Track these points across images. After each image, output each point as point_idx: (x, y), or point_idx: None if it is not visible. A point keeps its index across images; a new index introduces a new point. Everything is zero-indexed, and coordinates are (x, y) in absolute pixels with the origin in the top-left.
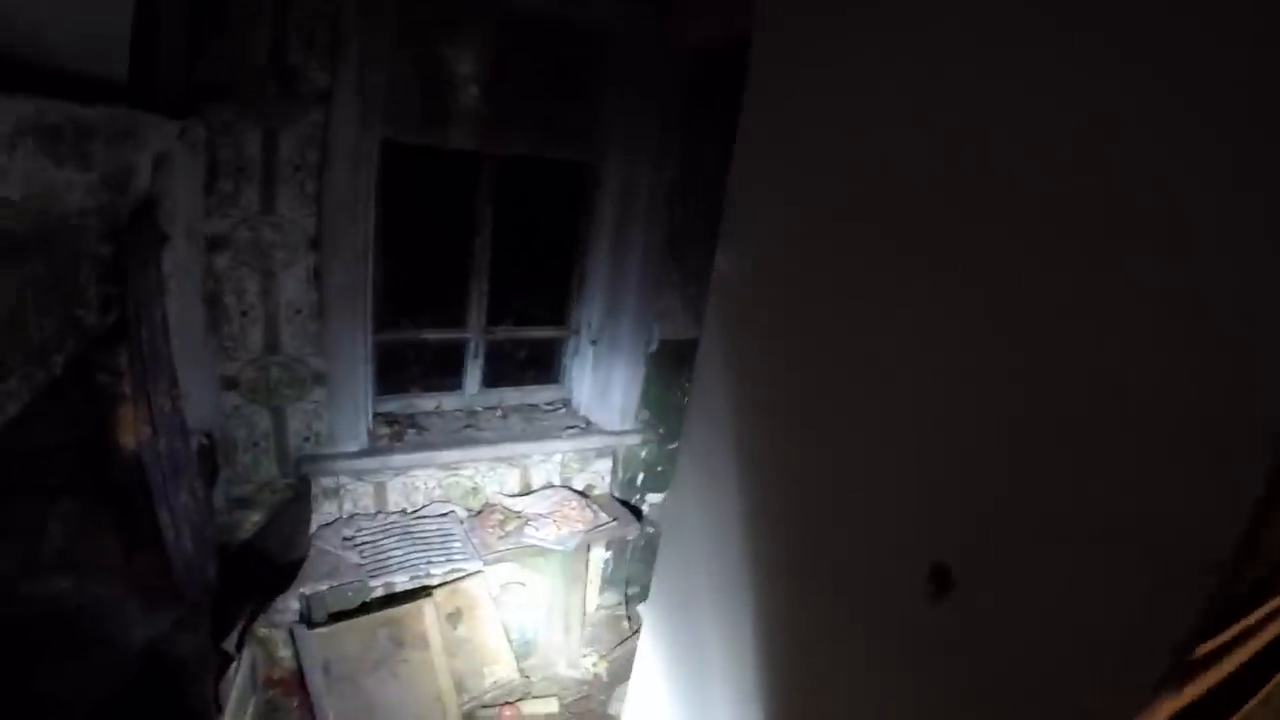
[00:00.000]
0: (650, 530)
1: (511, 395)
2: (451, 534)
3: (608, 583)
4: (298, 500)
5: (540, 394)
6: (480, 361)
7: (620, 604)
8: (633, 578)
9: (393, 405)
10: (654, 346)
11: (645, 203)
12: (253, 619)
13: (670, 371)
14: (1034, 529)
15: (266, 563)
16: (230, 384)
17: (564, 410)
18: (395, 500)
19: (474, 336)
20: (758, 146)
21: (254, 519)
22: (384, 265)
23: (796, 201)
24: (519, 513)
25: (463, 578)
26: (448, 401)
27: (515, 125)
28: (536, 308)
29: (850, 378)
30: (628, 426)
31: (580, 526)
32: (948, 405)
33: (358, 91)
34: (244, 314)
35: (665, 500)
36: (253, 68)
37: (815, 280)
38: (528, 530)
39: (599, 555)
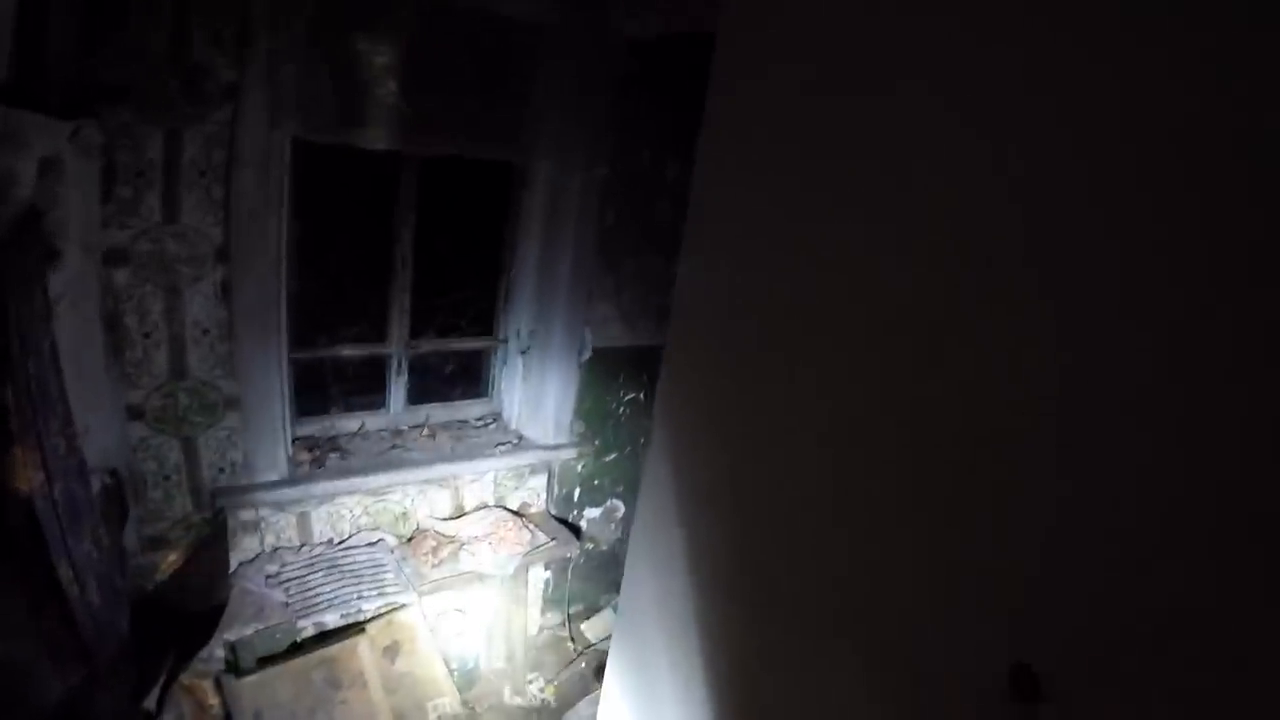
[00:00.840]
0: (589, 547)
1: (439, 412)
2: (382, 564)
3: (549, 603)
4: (216, 537)
5: (469, 409)
6: (404, 377)
7: (563, 624)
8: (574, 597)
9: (313, 428)
10: (587, 355)
11: (576, 205)
12: (175, 672)
13: (605, 381)
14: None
15: (186, 608)
16: (135, 414)
17: (495, 425)
18: (321, 531)
19: (396, 351)
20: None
21: (171, 559)
22: (299, 277)
23: (779, 197)
24: (452, 537)
25: (398, 609)
26: (372, 421)
27: (438, 123)
28: (462, 318)
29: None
30: (562, 440)
31: (518, 548)
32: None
33: (267, 88)
34: (147, 336)
35: (637, 517)
36: (153, 64)
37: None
38: (463, 555)
39: (538, 576)
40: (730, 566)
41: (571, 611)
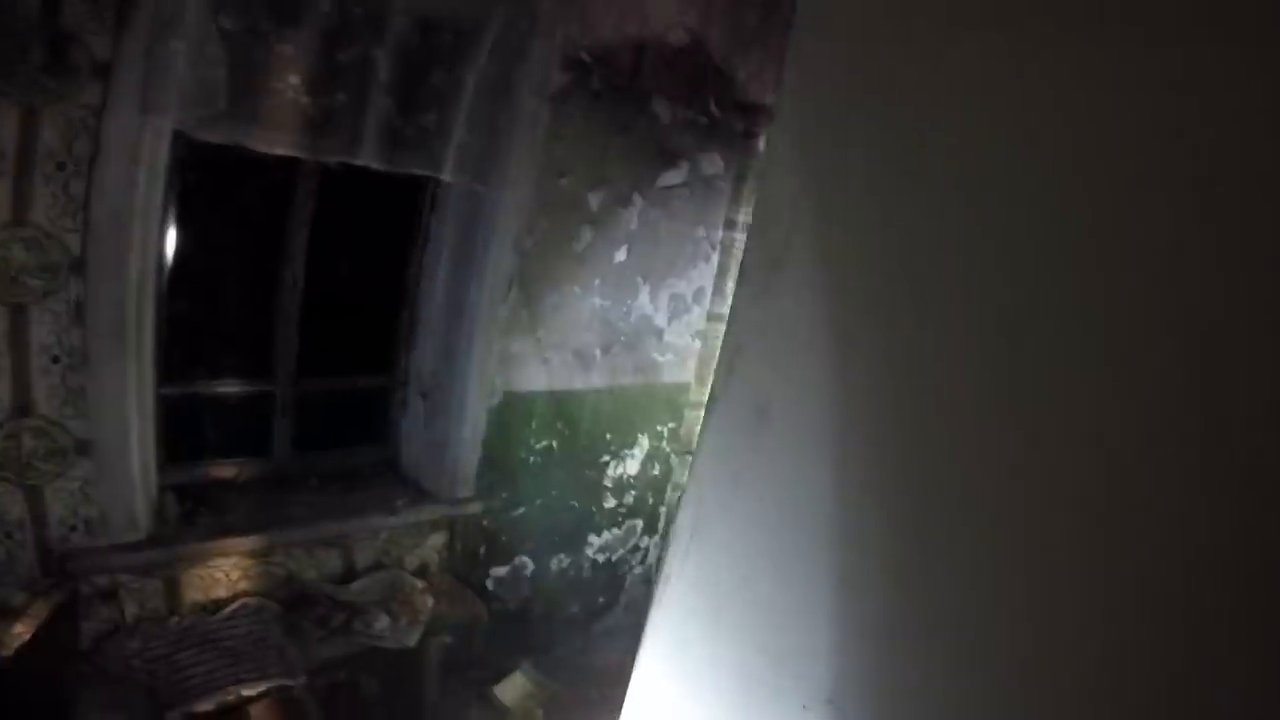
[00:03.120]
0: (496, 607)
1: (328, 459)
2: (265, 638)
3: (450, 672)
4: (66, 608)
5: (362, 456)
6: (289, 419)
7: (468, 691)
8: (480, 663)
9: (183, 476)
10: (497, 400)
11: (492, 230)
12: None
13: (516, 428)
14: None
15: (29, 697)
16: None
17: (391, 475)
18: (192, 598)
19: (281, 388)
20: None
21: (16, 632)
22: (172, 298)
23: None
24: (344, 604)
25: (284, 691)
26: (251, 469)
27: (347, 127)
28: (357, 354)
29: None
30: (466, 493)
31: (419, 615)
32: None
33: (146, 67)
34: None
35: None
36: (15, 27)
37: None
38: (357, 625)
39: (440, 643)
40: None
41: (474, 675)
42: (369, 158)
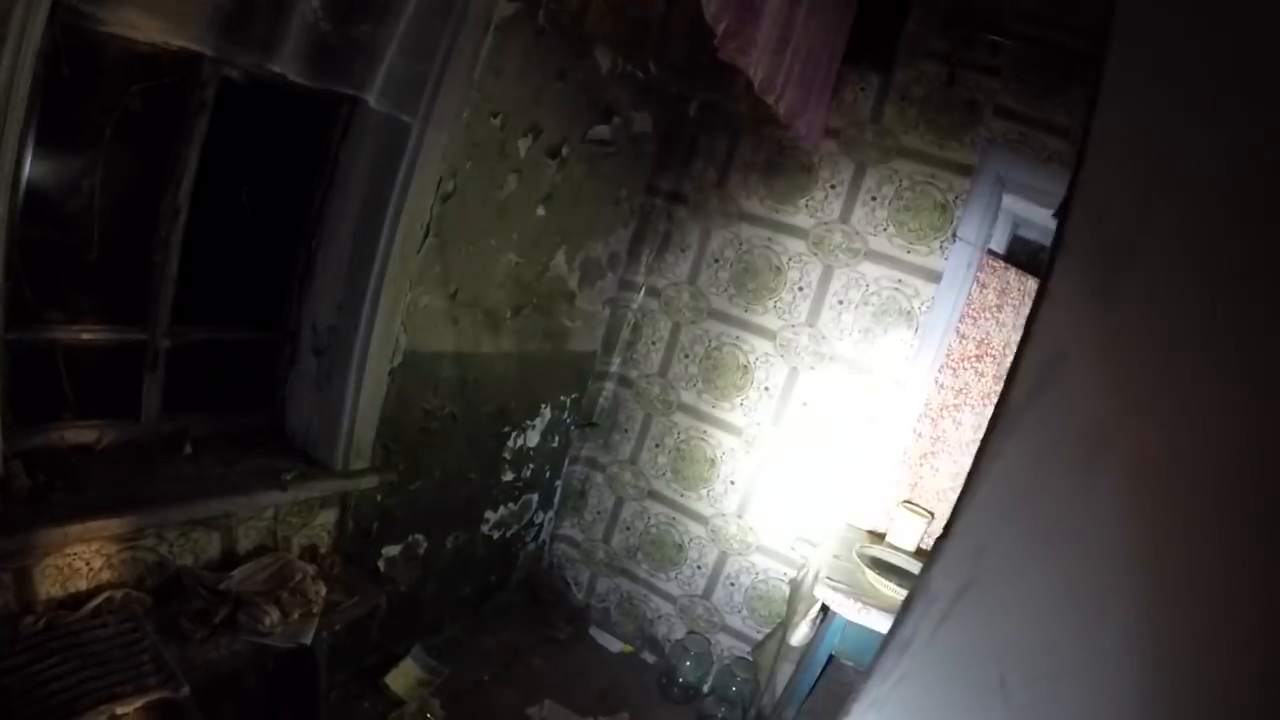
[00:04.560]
0: (388, 589)
1: (205, 423)
2: (137, 641)
3: (338, 662)
4: None
5: (245, 420)
6: (161, 374)
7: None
8: (370, 650)
9: (34, 441)
10: (399, 360)
11: (413, 168)
12: None
13: (418, 392)
14: None
15: None
16: None
17: (277, 443)
18: (47, 592)
19: (154, 337)
20: None
21: None
22: (26, 221)
23: None
24: (227, 594)
25: (164, 702)
26: (115, 433)
27: (265, 25)
28: (244, 301)
29: None
30: (361, 465)
31: (312, 606)
32: None
33: None
34: None
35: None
36: None
37: None
38: (241, 620)
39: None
40: None
41: (368, 663)
42: (286, 66)
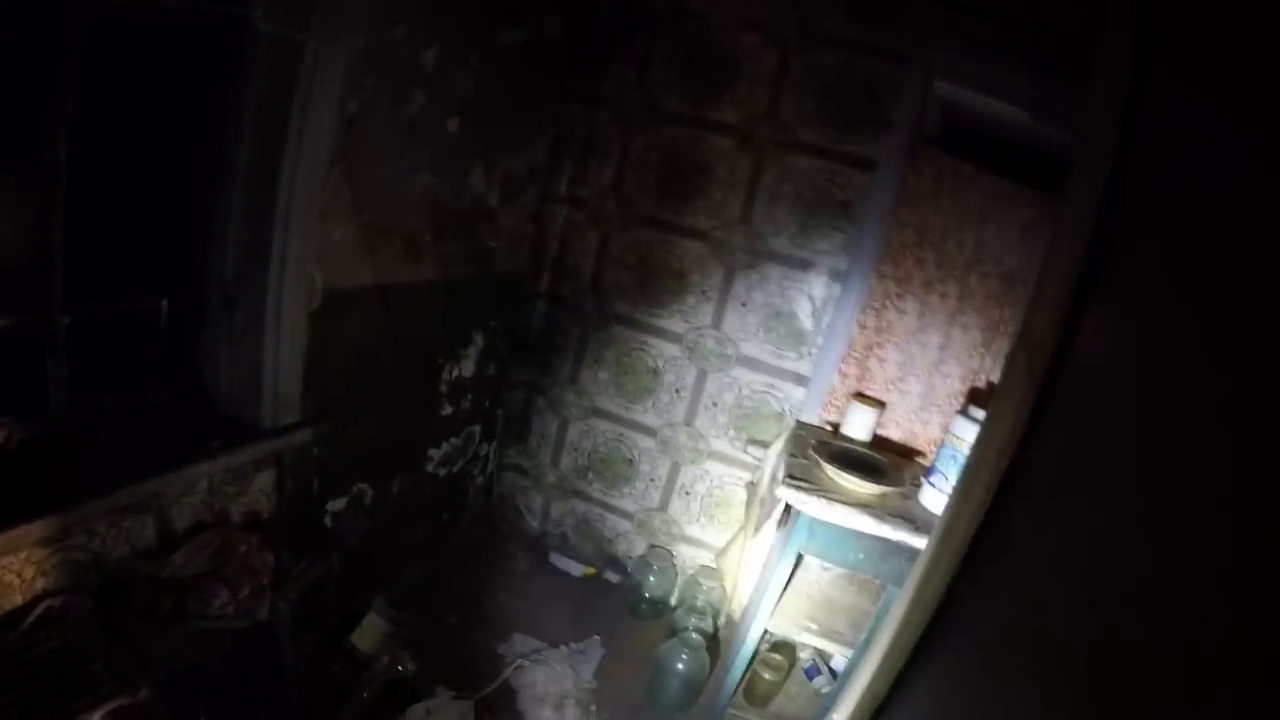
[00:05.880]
0: (340, 543)
1: (120, 402)
2: (85, 649)
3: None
4: None
5: (162, 391)
6: (66, 358)
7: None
8: (331, 611)
9: None
10: (317, 302)
11: (311, 90)
12: None
13: (341, 334)
14: None
15: None
16: None
17: (200, 410)
18: None
19: (51, 319)
20: None
21: None
22: None
23: None
24: (170, 581)
25: (122, 709)
26: (24, 429)
27: None
28: (143, 262)
29: None
30: (291, 418)
31: (261, 579)
32: None
33: None
34: None
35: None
36: None
37: None
38: (191, 606)
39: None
40: None
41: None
42: None
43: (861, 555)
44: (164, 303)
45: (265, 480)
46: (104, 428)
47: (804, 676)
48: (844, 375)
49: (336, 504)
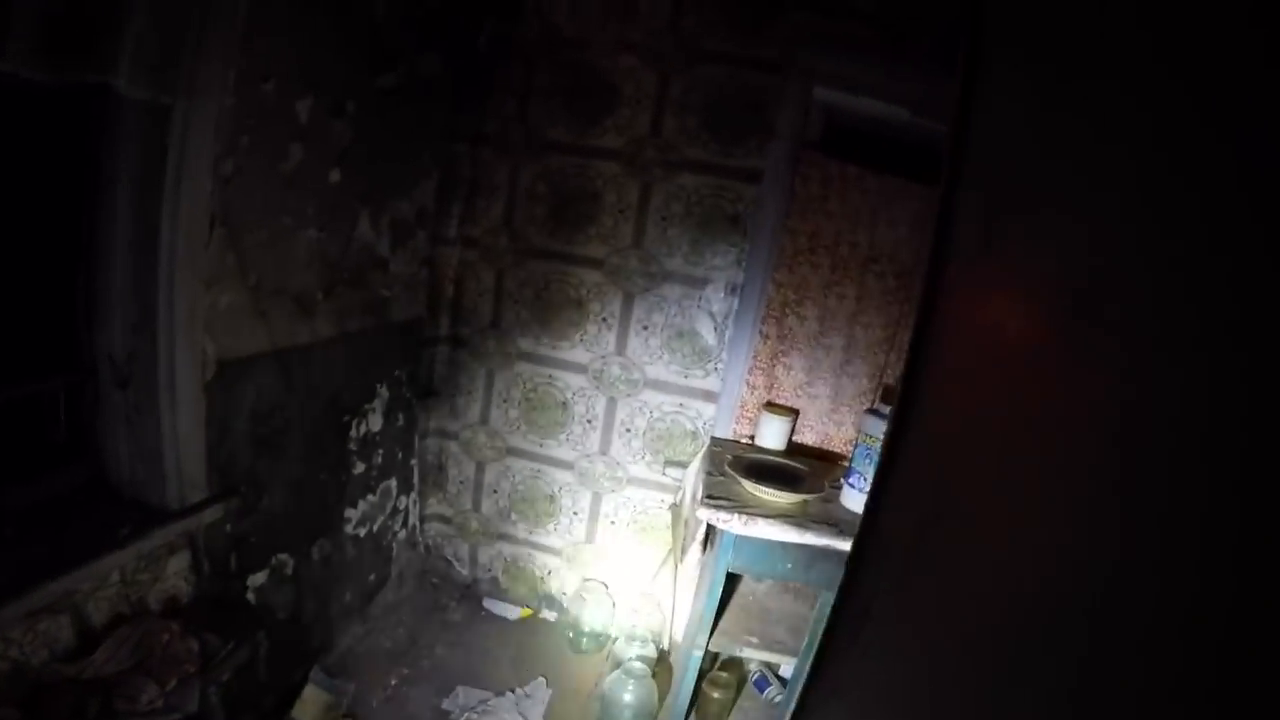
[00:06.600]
0: (266, 620)
1: (20, 496)
2: None
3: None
4: None
5: (61, 480)
6: None
7: None
8: (267, 689)
9: None
10: (211, 373)
11: (184, 153)
12: None
13: (239, 403)
14: None
15: None
16: None
17: (104, 497)
18: None
19: None
20: None
21: None
22: None
23: None
24: (94, 682)
25: None
26: None
27: None
28: (25, 346)
29: None
30: (199, 496)
31: (187, 666)
32: None
33: None
34: None
35: None
36: None
37: None
38: (119, 706)
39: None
40: None
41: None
42: (19, 62)
43: (789, 565)
44: (56, 386)
45: (180, 563)
46: (6, 524)
47: (754, 690)
48: (752, 387)
49: (257, 578)
